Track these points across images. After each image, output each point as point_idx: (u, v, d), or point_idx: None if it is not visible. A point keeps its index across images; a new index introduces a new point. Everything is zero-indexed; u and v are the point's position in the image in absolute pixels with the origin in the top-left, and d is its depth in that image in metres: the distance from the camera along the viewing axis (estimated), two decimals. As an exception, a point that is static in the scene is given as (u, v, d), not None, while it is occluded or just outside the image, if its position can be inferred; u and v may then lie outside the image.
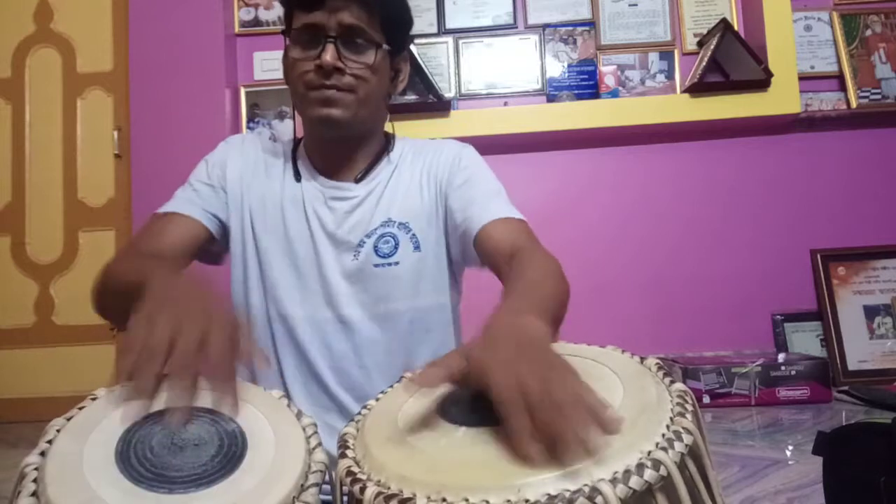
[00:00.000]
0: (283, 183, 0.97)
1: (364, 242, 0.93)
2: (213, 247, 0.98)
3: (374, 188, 0.96)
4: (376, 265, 0.92)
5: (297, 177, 0.98)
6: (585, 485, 0.39)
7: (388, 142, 1.02)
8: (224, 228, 0.97)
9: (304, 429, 0.53)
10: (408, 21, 0.96)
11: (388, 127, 1.04)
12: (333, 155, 0.98)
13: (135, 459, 0.45)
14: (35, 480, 0.43)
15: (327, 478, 0.51)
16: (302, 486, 0.47)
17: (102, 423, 0.49)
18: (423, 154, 1.00)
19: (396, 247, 0.93)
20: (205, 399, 0.52)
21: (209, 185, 0.98)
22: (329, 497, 0.51)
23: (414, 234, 0.94)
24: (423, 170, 0.98)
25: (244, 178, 0.98)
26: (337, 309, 0.92)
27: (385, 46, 0.90)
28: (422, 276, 0.94)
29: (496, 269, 0.87)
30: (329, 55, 0.86)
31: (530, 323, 0.58)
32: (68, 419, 0.49)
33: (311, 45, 0.88)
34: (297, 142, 1.03)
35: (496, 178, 1.00)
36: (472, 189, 0.95)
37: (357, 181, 0.96)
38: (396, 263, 0.92)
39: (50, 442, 0.47)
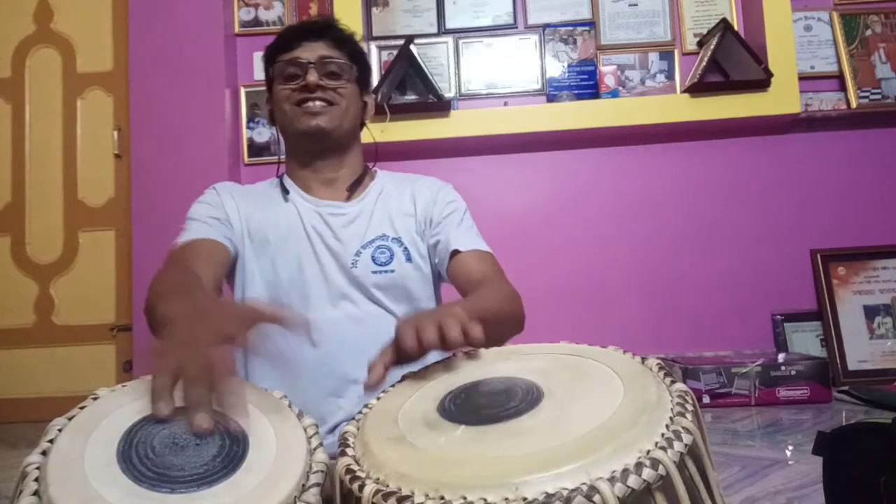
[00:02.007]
0: (278, 210, 1.10)
1: (360, 252, 1.06)
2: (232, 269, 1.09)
3: (364, 207, 1.11)
4: (374, 272, 1.05)
5: (286, 198, 1.11)
6: (584, 483, 0.39)
7: (366, 169, 1.18)
8: (237, 252, 1.08)
9: (305, 429, 0.53)
10: (367, 64, 1.18)
11: (378, 129, 1.17)
12: (318, 176, 1.12)
13: (136, 459, 0.45)
14: (37, 480, 0.43)
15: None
16: (303, 486, 0.47)
17: (104, 422, 0.49)
18: (407, 183, 1.17)
19: (392, 257, 1.06)
20: None
21: (216, 217, 1.07)
22: None
23: (406, 248, 1.08)
24: (410, 195, 1.14)
25: (241, 212, 1.09)
26: (346, 308, 1.03)
27: (353, 68, 1.11)
28: (413, 283, 1.07)
29: (464, 292, 1.04)
30: (312, 76, 1.05)
31: (446, 305, 0.75)
32: (70, 419, 0.50)
33: (294, 75, 1.08)
34: (280, 176, 1.17)
35: (470, 215, 1.17)
36: (453, 219, 1.12)
37: (347, 199, 1.11)
38: (392, 271, 1.06)
39: (51, 441, 0.47)
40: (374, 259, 1.06)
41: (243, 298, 1.06)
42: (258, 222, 1.08)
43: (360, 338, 0.98)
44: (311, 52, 1.08)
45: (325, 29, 1.11)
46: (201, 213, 1.07)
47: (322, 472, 0.49)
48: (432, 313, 0.66)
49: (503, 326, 0.89)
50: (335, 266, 1.05)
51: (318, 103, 1.06)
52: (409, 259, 1.08)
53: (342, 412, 0.98)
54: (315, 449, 0.51)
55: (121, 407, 0.51)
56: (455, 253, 1.06)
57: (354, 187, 1.13)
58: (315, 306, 1.02)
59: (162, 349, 0.55)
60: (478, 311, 0.73)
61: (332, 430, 0.97)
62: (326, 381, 0.99)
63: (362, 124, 1.19)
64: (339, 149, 1.12)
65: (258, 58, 2.62)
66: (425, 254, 1.11)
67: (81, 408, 0.51)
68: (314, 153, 1.11)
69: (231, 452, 0.47)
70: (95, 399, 0.52)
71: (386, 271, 1.05)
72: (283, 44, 1.10)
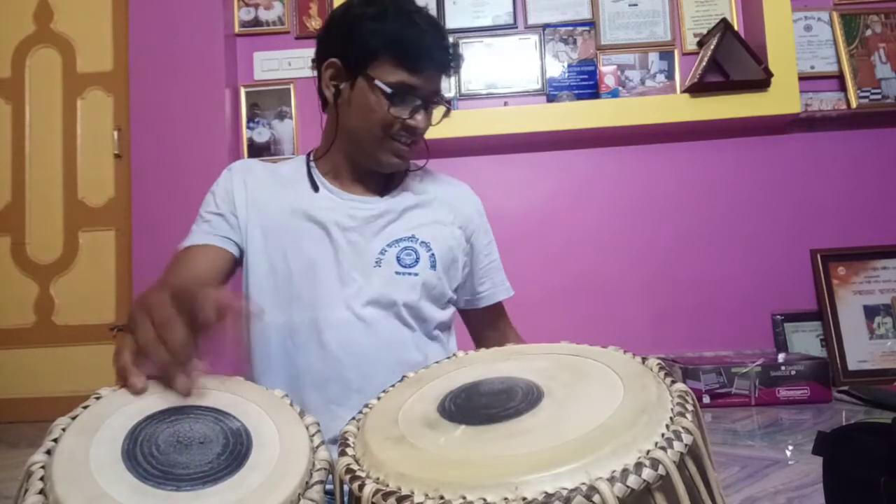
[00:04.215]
0: (297, 196, 1.02)
1: (386, 251, 0.99)
2: (236, 268, 1.03)
3: (393, 205, 1.03)
4: (397, 272, 0.98)
5: (315, 188, 1.03)
6: (583, 483, 0.39)
7: None
8: (242, 251, 1.02)
9: (307, 427, 0.54)
10: None
11: None
12: (356, 175, 1.05)
13: (141, 457, 0.45)
14: (42, 479, 0.43)
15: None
16: (307, 483, 0.47)
17: (108, 421, 0.49)
18: (444, 188, 1.10)
19: (417, 260, 1.00)
20: (208, 398, 0.53)
21: (219, 214, 1.01)
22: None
23: (433, 254, 1.01)
24: (447, 204, 1.07)
25: (253, 199, 1.02)
26: (356, 309, 0.96)
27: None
28: (433, 291, 1.01)
29: (476, 332, 1.16)
30: (423, 121, 0.97)
31: None
32: (73, 418, 0.50)
33: (407, 103, 0.96)
34: (308, 156, 1.09)
35: None
36: (493, 256, 1.12)
37: (380, 195, 1.04)
38: (416, 275, 0.99)
39: (56, 441, 0.47)
40: (398, 259, 0.98)
41: (248, 291, 0.99)
42: (272, 210, 1.00)
43: (370, 345, 0.95)
44: (431, 83, 0.97)
45: (454, 64, 1.00)
46: (209, 207, 1.02)
47: (325, 469, 0.49)
48: None
49: None
50: (355, 262, 0.97)
51: (406, 146, 0.99)
52: (433, 266, 1.00)
53: (342, 422, 0.89)
54: (317, 447, 0.51)
55: (124, 406, 0.51)
56: (491, 303, 1.11)
57: (387, 185, 1.05)
58: (327, 305, 0.95)
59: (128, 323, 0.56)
60: None
61: (332, 441, 0.91)
62: (330, 386, 0.94)
63: None
64: None
65: (258, 58, 2.63)
66: (452, 269, 1.04)
67: (84, 407, 0.51)
68: (368, 170, 1.04)
69: (235, 451, 0.48)
70: (98, 398, 0.52)
71: (410, 273, 0.98)
72: (412, 52, 0.94)
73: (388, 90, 0.94)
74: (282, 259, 0.98)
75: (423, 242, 1.01)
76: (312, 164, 1.07)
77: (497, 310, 1.14)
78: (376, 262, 0.98)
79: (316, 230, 0.99)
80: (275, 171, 1.07)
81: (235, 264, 1.01)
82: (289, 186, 1.03)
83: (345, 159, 1.04)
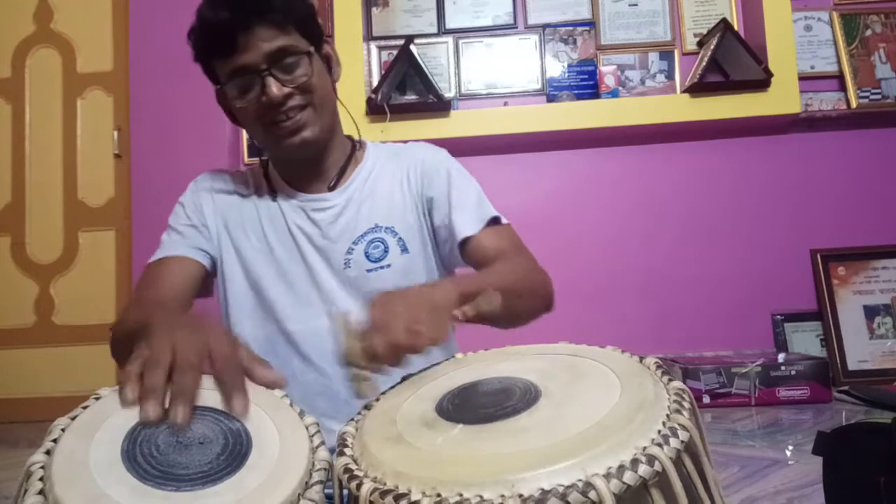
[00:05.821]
0: (260, 205, 0.99)
1: (352, 249, 0.95)
2: (208, 281, 1.00)
3: (352, 195, 0.98)
4: (369, 270, 0.94)
5: (273, 196, 0.99)
6: (579, 480, 0.39)
7: (353, 146, 1.03)
8: (215, 262, 0.98)
9: (307, 427, 0.54)
10: (311, 8, 0.94)
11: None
12: (305, 169, 0.99)
13: (141, 458, 0.45)
14: (42, 479, 0.43)
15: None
16: (307, 483, 0.47)
17: (107, 421, 0.49)
18: (399, 158, 1.02)
19: (386, 251, 0.95)
20: (209, 398, 0.53)
21: (191, 225, 0.98)
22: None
23: (401, 238, 0.96)
24: (401, 175, 1.00)
25: (220, 211, 0.99)
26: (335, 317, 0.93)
27: (311, 49, 0.90)
28: (413, 277, 0.95)
29: None
30: (274, 89, 0.85)
31: (436, 284, 0.73)
32: (73, 418, 0.50)
33: (248, 86, 0.87)
34: (264, 162, 1.04)
35: (474, 179, 1.01)
36: (453, 196, 0.96)
37: (330, 189, 0.98)
38: (388, 266, 0.94)
39: (55, 441, 0.47)
40: (367, 255, 0.93)
41: (227, 306, 0.96)
42: (239, 222, 0.97)
43: None
44: (253, 49, 0.85)
45: (257, 4, 0.85)
46: (179, 220, 0.99)
47: (325, 469, 0.49)
48: (410, 301, 0.62)
49: (520, 301, 0.81)
50: (325, 268, 0.94)
51: (290, 120, 0.88)
52: (405, 250, 0.95)
53: (335, 435, 0.83)
54: (317, 447, 0.51)
55: (123, 407, 0.51)
56: (466, 239, 0.93)
57: (340, 174, 0.98)
58: (304, 316, 0.92)
59: (143, 347, 0.55)
60: (478, 288, 0.66)
61: (329, 451, 0.85)
62: (318, 400, 0.89)
63: (335, 81, 0.98)
64: (327, 141, 0.96)
65: (258, 58, 2.62)
66: (427, 239, 0.98)
67: (84, 407, 0.51)
68: (304, 157, 0.96)
69: (234, 451, 0.48)
70: (98, 399, 0.52)
71: (381, 267, 0.93)
72: (211, 41, 0.87)
73: (225, 83, 0.88)
74: (254, 271, 0.95)
75: (387, 229, 0.95)
76: (270, 168, 1.02)
77: (482, 250, 0.93)
78: (345, 262, 0.94)
79: (282, 239, 0.96)
80: (238, 181, 1.03)
81: (208, 277, 0.98)
82: (252, 196, 1.00)
83: (280, 161, 1.01)
